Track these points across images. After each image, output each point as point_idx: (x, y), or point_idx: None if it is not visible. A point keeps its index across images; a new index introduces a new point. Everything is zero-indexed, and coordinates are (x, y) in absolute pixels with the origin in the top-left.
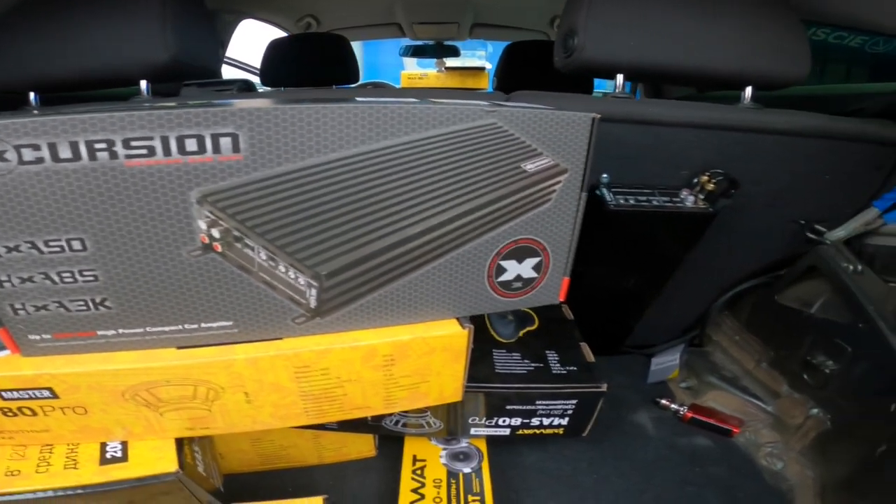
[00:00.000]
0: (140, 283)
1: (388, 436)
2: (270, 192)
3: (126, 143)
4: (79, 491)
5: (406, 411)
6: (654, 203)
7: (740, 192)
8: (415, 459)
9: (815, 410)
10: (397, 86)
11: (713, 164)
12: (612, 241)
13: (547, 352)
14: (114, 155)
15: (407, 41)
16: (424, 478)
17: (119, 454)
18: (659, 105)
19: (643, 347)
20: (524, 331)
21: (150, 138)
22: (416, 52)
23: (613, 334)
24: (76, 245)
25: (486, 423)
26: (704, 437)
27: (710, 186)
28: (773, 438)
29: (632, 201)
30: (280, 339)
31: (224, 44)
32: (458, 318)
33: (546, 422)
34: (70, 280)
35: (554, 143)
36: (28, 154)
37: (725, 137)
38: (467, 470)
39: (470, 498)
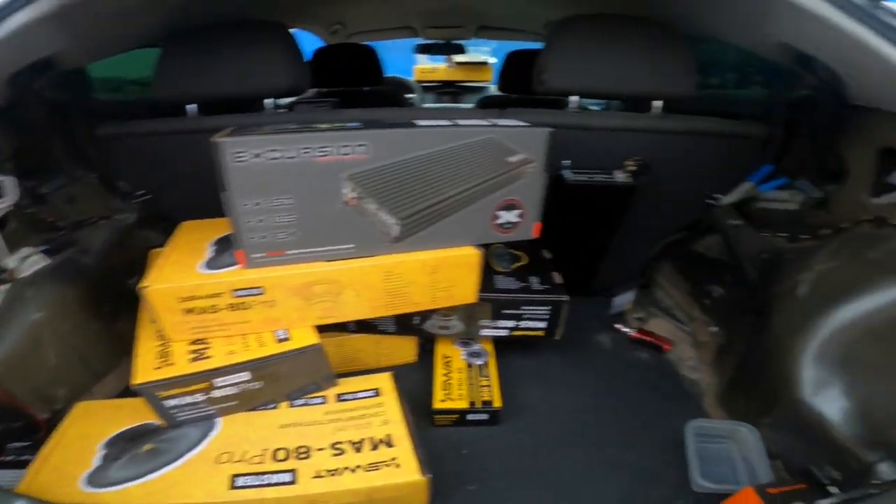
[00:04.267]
0: (314, 221)
1: (426, 343)
2: (379, 174)
3: (319, 149)
4: (272, 360)
5: (440, 315)
6: (597, 179)
7: (656, 172)
8: (443, 356)
9: (713, 328)
10: (409, 78)
11: (635, 153)
12: (573, 205)
13: (530, 277)
14: (311, 155)
15: (419, 40)
16: (450, 367)
17: (286, 336)
18: (595, 116)
19: (607, 290)
20: (516, 265)
21: (329, 146)
22: (429, 49)
23: (584, 276)
24: (288, 201)
25: (491, 326)
26: (645, 353)
27: (632, 167)
28: (692, 354)
29: (582, 178)
30: (375, 255)
31: None
32: (474, 245)
33: (531, 325)
34: (280, 219)
35: (526, 145)
36: (264, 154)
37: (641, 136)
38: (480, 362)
39: (481, 380)
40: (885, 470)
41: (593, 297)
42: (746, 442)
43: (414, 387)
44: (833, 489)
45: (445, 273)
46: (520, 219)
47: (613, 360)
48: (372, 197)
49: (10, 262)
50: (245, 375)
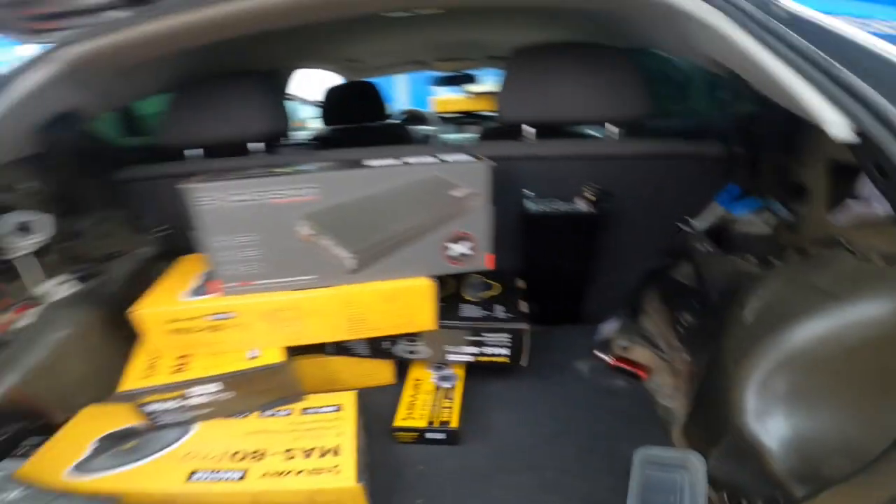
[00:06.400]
0: (277, 255)
1: (401, 364)
2: (332, 212)
3: (274, 192)
4: (241, 374)
5: (406, 340)
6: (558, 208)
7: (622, 199)
8: (415, 379)
9: (685, 356)
10: (425, 110)
11: (594, 180)
12: (539, 235)
13: (496, 305)
14: (267, 197)
15: (434, 73)
16: (419, 389)
17: (256, 355)
18: (549, 145)
19: (597, 318)
20: (487, 294)
21: (283, 189)
22: (443, 81)
23: (567, 305)
24: (252, 238)
25: (456, 351)
26: (622, 381)
27: (590, 196)
28: (671, 382)
29: (544, 207)
30: (335, 285)
31: (283, 90)
32: (428, 277)
33: (494, 351)
34: (247, 254)
35: (468, 180)
36: (227, 197)
37: (597, 163)
38: (448, 385)
39: (444, 402)
40: None
41: (584, 324)
42: (696, 471)
43: (385, 406)
44: None
45: (402, 302)
46: (471, 251)
47: (587, 386)
48: (326, 233)
49: (47, 286)
50: (215, 387)
